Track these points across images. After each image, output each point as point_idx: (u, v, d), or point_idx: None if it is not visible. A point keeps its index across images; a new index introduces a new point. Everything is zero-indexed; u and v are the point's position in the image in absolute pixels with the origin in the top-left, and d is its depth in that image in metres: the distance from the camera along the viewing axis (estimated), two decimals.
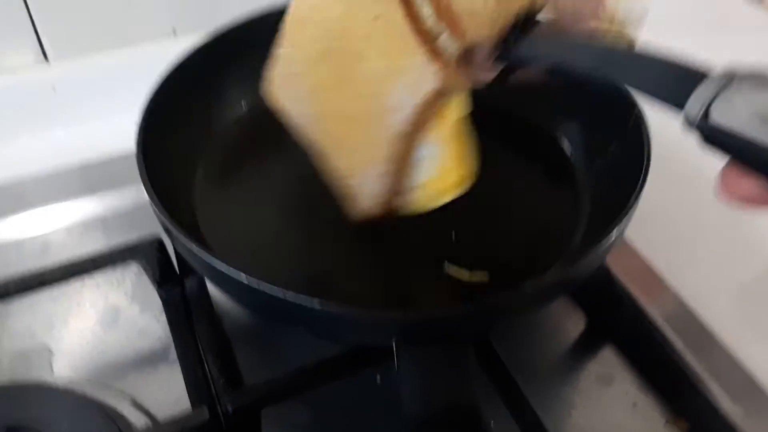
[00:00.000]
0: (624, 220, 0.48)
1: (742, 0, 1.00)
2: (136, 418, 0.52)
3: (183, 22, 0.80)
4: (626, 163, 0.55)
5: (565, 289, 0.54)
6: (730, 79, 0.32)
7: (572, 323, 0.60)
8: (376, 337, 0.48)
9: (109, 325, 0.60)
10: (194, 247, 0.46)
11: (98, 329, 0.60)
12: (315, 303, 0.43)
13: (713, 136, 0.33)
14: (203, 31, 0.66)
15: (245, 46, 0.67)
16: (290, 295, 0.43)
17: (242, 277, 0.44)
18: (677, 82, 0.34)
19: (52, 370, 0.57)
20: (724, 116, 0.32)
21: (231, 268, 0.45)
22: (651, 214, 0.65)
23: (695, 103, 0.33)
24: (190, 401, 0.53)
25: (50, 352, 0.58)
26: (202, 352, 0.56)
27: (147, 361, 0.58)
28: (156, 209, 0.50)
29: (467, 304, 0.46)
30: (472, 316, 0.45)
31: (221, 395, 0.52)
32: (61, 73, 0.77)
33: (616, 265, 0.59)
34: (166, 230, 0.50)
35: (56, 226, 0.69)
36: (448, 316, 0.45)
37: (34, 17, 0.72)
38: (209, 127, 0.65)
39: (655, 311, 0.58)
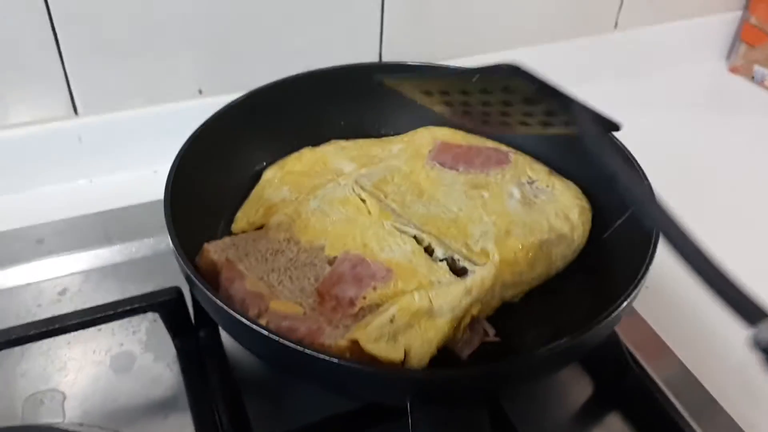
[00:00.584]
0: (633, 294, 0.50)
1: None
2: None
3: (209, 84, 0.83)
4: (636, 238, 0.56)
5: (573, 358, 0.56)
6: None
7: (580, 388, 0.61)
8: (390, 395, 0.49)
9: (123, 371, 0.61)
10: (217, 300, 0.48)
11: (111, 375, 0.61)
12: (333, 359, 0.44)
13: None
14: (228, 93, 0.70)
15: (270, 109, 0.71)
16: (309, 350, 0.44)
17: (263, 331, 0.45)
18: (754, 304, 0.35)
19: (63, 414, 0.57)
20: None
21: (253, 324, 0.46)
22: (659, 284, 0.67)
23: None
24: None
25: (63, 395, 0.59)
26: (213, 402, 0.57)
27: (158, 408, 0.59)
28: (179, 259, 0.51)
29: (482, 366, 0.47)
30: (485, 378, 0.46)
31: None
32: (88, 125, 0.79)
33: (624, 332, 0.60)
34: (188, 280, 0.52)
35: (74, 271, 0.71)
36: (460, 377, 0.46)
37: (67, 71, 0.76)
38: (232, 182, 0.68)
39: (661, 379, 0.59)
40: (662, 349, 0.64)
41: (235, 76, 0.82)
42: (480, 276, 0.55)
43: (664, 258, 0.52)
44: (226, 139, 0.67)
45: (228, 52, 0.82)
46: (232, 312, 0.47)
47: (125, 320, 0.64)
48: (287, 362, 0.49)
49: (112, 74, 0.78)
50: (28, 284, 0.69)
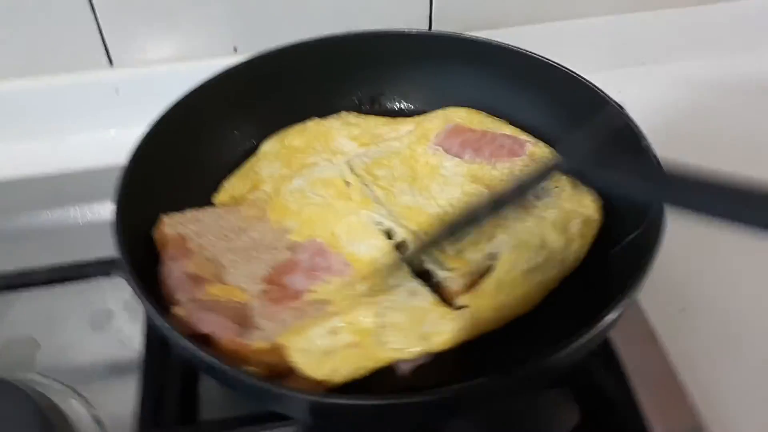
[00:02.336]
0: (601, 324, 0.44)
1: None
2: (77, 416, 0.54)
3: (244, 42, 0.81)
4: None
5: (550, 378, 0.50)
6: None
7: (568, 416, 0.54)
8: (285, 410, 0.46)
9: (98, 329, 0.62)
10: (137, 288, 0.46)
11: (87, 331, 0.62)
12: (224, 366, 0.41)
13: None
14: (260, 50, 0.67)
15: (276, 77, 0.68)
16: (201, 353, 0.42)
17: (165, 325, 0.44)
18: None
19: (35, 363, 0.59)
20: None
21: (158, 317, 0.44)
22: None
23: None
24: (139, 424, 0.53)
25: (38, 345, 0.61)
26: (165, 376, 0.56)
27: (121, 371, 0.59)
28: (116, 236, 0.50)
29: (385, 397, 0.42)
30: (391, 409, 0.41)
31: (169, 426, 0.52)
32: (123, 77, 0.80)
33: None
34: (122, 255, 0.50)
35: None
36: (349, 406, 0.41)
37: (100, 23, 0.76)
38: (228, 152, 0.66)
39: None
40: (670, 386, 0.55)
41: (271, 35, 0.79)
42: (445, 337, 0.48)
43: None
44: (221, 107, 0.64)
45: (265, 10, 0.79)
46: (145, 301, 0.45)
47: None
48: (187, 358, 0.47)
49: (146, 28, 0.78)
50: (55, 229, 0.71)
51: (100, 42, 0.78)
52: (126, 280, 0.47)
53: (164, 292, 0.50)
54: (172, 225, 0.54)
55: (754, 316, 0.62)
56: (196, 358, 0.42)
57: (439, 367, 0.49)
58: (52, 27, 0.76)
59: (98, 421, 0.56)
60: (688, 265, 0.65)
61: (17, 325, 0.62)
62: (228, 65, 0.66)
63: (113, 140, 0.83)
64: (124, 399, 0.55)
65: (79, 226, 0.71)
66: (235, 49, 0.81)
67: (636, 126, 0.56)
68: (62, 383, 0.58)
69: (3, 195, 0.75)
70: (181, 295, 0.49)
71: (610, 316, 0.44)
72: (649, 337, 0.59)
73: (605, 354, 0.58)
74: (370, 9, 0.81)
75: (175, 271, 0.51)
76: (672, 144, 0.77)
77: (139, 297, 0.46)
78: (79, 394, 0.58)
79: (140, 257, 0.53)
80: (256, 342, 0.46)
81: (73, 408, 0.56)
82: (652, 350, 0.59)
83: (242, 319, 0.49)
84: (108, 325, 0.62)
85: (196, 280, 0.50)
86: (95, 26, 0.76)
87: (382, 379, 0.48)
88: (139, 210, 0.54)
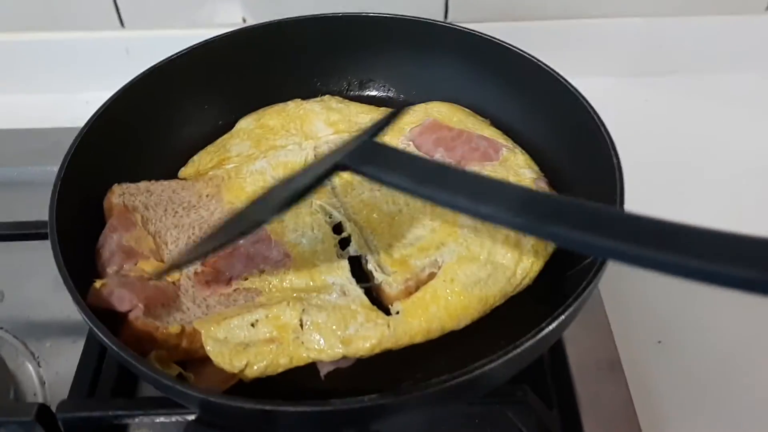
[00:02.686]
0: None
1: None
2: (23, 375, 0.56)
3: (253, 13, 0.80)
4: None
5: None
6: None
7: None
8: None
9: (61, 288, 0.63)
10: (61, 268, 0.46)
11: (51, 288, 0.62)
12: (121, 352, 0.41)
13: None
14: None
15: (263, 53, 0.66)
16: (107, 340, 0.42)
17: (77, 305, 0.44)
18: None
19: None
20: None
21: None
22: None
23: None
24: (72, 390, 0.53)
25: (2, 294, 0.63)
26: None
27: (74, 332, 0.60)
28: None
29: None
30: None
31: (100, 398, 0.52)
32: (134, 39, 0.81)
33: None
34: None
35: None
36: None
37: None
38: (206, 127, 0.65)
39: None
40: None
41: (280, 7, 0.78)
42: (367, 343, 0.46)
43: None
44: (201, 78, 0.64)
45: None
46: (61, 270, 0.45)
47: None
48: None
49: None
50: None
51: (112, 3, 0.78)
52: (52, 247, 0.47)
53: (97, 262, 0.50)
54: (121, 195, 0.54)
55: (732, 353, 0.58)
56: (95, 336, 0.42)
57: (364, 370, 0.47)
58: None
59: (42, 382, 0.57)
60: (668, 296, 0.60)
61: None
62: (215, 35, 0.65)
63: None
64: (73, 362, 0.56)
65: None
66: (243, 20, 0.80)
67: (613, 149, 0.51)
68: (16, 337, 0.60)
69: (5, 143, 0.77)
70: (110, 269, 0.49)
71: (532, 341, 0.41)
72: (614, 367, 0.56)
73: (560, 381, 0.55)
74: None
75: (109, 242, 0.50)
76: (691, 156, 0.72)
77: (58, 267, 0.46)
78: (31, 352, 0.59)
79: (87, 224, 0.54)
80: (170, 326, 0.45)
81: (21, 366, 0.58)
82: (613, 382, 0.55)
83: (167, 299, 0.48)
84: None
85: (130, 253, 0.50)
86: None
87: (309, 375, 0.47)
88: (93, 175, 0.54)
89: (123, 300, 0.45)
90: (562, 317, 0.42)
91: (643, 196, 0.48)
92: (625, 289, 0.61)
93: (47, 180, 0.71)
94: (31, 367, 0.58)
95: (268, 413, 0.39)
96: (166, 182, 0.57)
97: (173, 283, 0.50)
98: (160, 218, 0.54)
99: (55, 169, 0.72)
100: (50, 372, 0.58)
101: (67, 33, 0.80)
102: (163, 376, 0.40)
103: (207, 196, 0.56)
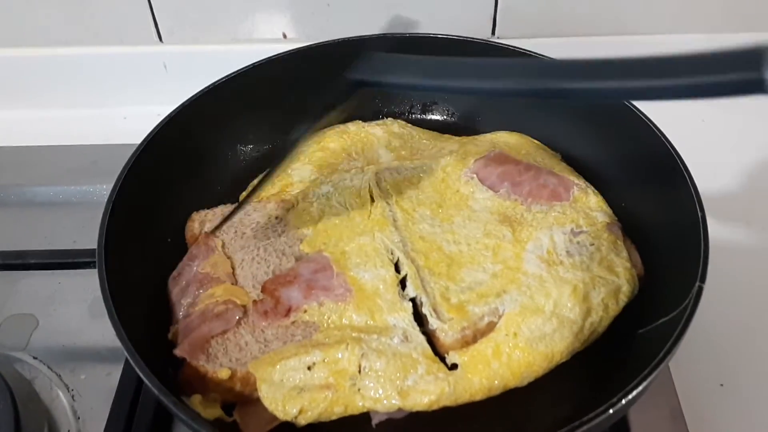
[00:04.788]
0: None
1: None
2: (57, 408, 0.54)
3: (293, 29, 0.77)
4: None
5: None
6: None
7: None
8: None
9: (98, 316, 0.61)
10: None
11: (86, 317, 0.61)
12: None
13: None
14: (311, 40, 0.65)
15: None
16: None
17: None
18: (738, 63, 0.33)
19: (28, 341, 0.59)
20: None
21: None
22: None
23: None
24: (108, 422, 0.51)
25: (37, 322, 0.60)
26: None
27: (106, 362, 0.58)
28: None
29: None
30: None
31: None
32: (172, 53, 0.79)
33: None
34: None
35: None
36: None
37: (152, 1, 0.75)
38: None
39: None
40: None
41: (321, 24, 0.76)
42: (426, 398, 0.44)
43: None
44: (260, 97, 0.62)
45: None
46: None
47: None
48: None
49: (196, 7, 0.75)
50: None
51: (151, 18, 0.76)
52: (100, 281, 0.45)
53: (171, 290, 0.51)
54: (201, 221, 0.55)
55: None
56: (136, 372, 0.41)
57: (418, 421, 0.45)
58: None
59: (77, 417, 0.55)
60: (729, 337, 0.56)
61: (21, 302, 0.62)
62: (276, 51, 0.63)
63: (158, 116, 0.81)
64: (107, 395, 0.54)
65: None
66: (284, 36, 0.78)
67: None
68: (50, 368, 0.58)
69: (44, 161, 0.75)
70: (185, 300, 0.49)
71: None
72: (675, 417, 0.52)
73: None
74: (429, 10, 0.75)
75: (187, 271, 0.51)
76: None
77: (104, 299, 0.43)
78: (65, 384, 0.57)
79: (132, 254, 0.52)
80: (220, 371, 0.44)
81: (55, 400, 0.56)
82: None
83: (227, 323, 0.47)
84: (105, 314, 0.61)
85: (203, 281, 0.50)
86: (146, 2, 0.75)
87: (361, 421, 0.45)
88: (144, 202, 0.53)
89: (182, 348, 0.45)
90: (634, 393, 0.39)
91: None
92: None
93: (84, 200, 0.72)
94: (65, 401, 0.56)
95: None
96: (241, 206, 0.56)
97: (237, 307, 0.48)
98: (231, 240, 0.54)
99: (92, 189, 0.72)
100: (84, 406, 0.56)
101: (105, 48, 0.78)
102: (197, 422, 0.38)
103: (276, 219, 0.55)
